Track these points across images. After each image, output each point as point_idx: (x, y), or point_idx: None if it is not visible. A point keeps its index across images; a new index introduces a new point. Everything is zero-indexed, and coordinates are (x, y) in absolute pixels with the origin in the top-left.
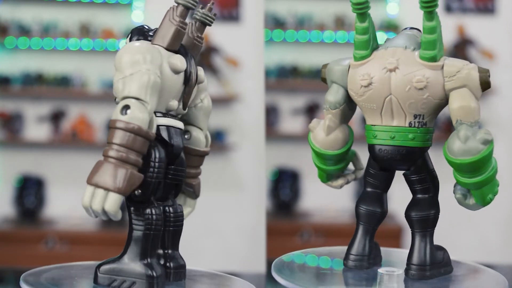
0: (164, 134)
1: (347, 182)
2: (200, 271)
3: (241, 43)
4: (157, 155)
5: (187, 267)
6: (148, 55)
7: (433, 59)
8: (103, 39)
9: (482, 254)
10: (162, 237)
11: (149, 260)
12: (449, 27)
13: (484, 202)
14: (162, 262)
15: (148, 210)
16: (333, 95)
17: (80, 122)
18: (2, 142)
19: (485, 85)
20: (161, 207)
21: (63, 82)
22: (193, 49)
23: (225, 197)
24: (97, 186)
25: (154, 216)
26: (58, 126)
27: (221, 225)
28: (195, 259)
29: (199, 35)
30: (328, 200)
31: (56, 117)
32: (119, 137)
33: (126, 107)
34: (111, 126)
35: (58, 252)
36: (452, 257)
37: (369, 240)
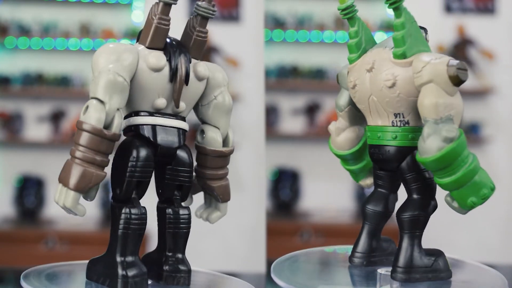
0: (148, 133)
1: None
2: (198, 271)
3: (241, 43)
4: (137, 155)
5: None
6: (113, 55)
7: (403, 56)
8: (103, 39)
9: (482, 254)
10: (164, 239)
11: (126, 259)
12: (449, 27)
13: (465, 205)
14: (165, 264)
15: (126, 210)
16: (339, 98)
17: None
18: (2, 142)
19: (455, 79)
20: (163, 208)
21: (63, 82)
22: (194, 44)
23: None
24: (60, 183)
25: (130, 216)
26: (58, 126)
27: (221, 225)
28: (195, 259)
29: (201, 29)
30: (328, 200)
31: (56, 117)
32: (78, 136)
33: (87, 107)
34: (76, 126)
35: (58, 252)
36: (452, 256)
37: (374, 239)
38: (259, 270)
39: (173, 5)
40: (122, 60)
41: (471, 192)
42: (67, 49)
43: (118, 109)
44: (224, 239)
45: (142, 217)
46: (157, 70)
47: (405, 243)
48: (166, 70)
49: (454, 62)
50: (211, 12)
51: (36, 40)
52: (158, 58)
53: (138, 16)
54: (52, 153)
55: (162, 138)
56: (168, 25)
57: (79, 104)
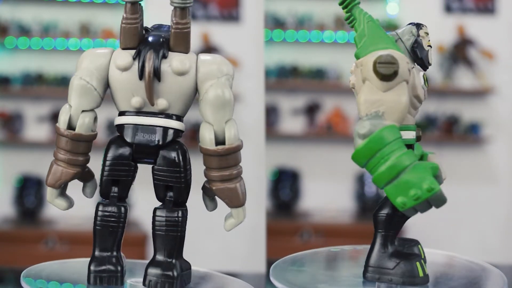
0: (125, 132)
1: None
2: (198, 271)
3: (241, 43)
4: (112, 153)
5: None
6: (84, 60)
7: (357, 57)
8: (103, 39)
9: (482, 254)
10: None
11: (98, 254)
12: (449, 27)
13: (396, 205)
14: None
15: (99, 206)
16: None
17: None
18: (2, 142)
19: (378, 74)
20: (154, 210)
21: (63, 82)
22: (174, 38)
23: None
24: None
25: (103, 212)
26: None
27: (221, 225)
28: (195, 259)
29: (179, 20)
30: (328, 200)
31: (56, 117)
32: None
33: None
34: None
35: (58, 252)
36: (450, 254)
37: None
38: (259, 270)
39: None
40: (89, 64)
41: (399, 192)
42: (67, 49)
43: (84, 111)
44: (224, 239)
45: (115, 215)
46: (124, 69)
47: (378, 242)
48: (135, 68)
49: (379, 57)
50: (185, 2)
51: (36, 40)
52: (122, 57)
53: None
54: (52, 153)
55: (139, 137)
56: (136, 23)
57: None
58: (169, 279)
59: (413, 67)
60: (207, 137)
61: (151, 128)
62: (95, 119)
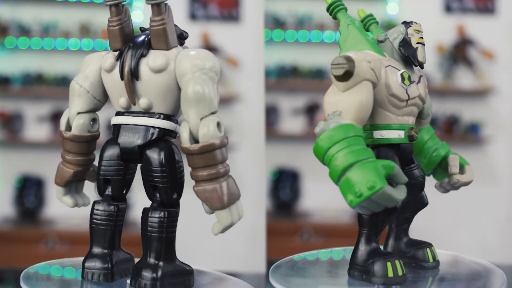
0: (114, 133)
1: (445, 190)
2: (199, 270)
3: (241, 43)
4: (103, 154)
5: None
6: (82, 64)
7: None
8: (103, 39)
9: (482, 253)
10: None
11: (92, 250)
12: (449, 27)
13: (347, 202)
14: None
15: (94, 205)
16: None
17: None
18: (2, 142)
19: (332, 76)
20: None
21: (63, 82)
22: (152, 36)
23: None
24: None
25: (94, 211)
26: (58, 126)
27: None
28: (195, 259)
29: (153, 18)
30: (328, 200)
31: (56, 117)
32: None
33: None
34: None
35: (58, 252)
36: (450, 253)
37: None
38: (259, 270)
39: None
40: (85, 67)
41: (346, 189)
42: (67, 49)
43: (80, 113)
44: (224, 239)
45: (106, 214)
46: (109, 71)
47: (363, 241)
48: (117, 69)
49: (333, 60)
50: None
51: (36, 40)
52: (107, 59)
53: (138, 16)
54: (52, 153)
55: (123, 137)
56: (118, 24)
57: None
58: (151, 281)
59: (388, 65)
60: (183, 135)
61: (133, 128)
62: (94, 120)
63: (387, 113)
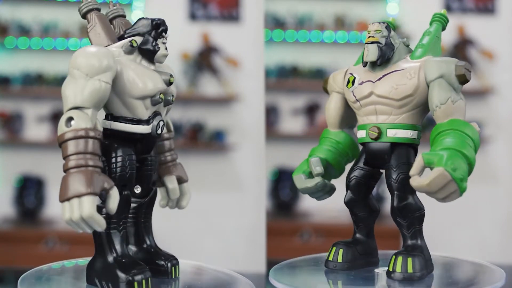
0: None
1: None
2: (202, 267)
3: (241, 43)
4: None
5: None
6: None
7: None
8: None
9: (482, 253)
10: None
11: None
12: (449, 27)
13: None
14: None
15: None
16: None
17: None
18: (2, 142)
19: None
20: None
21: (63, 82)
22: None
23: (225, 197)
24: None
25: None
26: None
27: (221, 225)
28: (195, 259)
29: None
30: (328, 200)
31: (56, 117)
32: None
33: None
34: None
35: (58, 252)
36: (451, 255)
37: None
38: (259, 270)
39: (98, 14)
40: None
41: None
42: (67, 49)
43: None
44: (224, 239)
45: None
46: None
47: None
48: None
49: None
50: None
51: (36, 40)
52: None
53: (138, 16)
54: (52, 153)
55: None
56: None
57: None
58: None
59: (349, 72)
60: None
61: None
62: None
63: (357, 115)
